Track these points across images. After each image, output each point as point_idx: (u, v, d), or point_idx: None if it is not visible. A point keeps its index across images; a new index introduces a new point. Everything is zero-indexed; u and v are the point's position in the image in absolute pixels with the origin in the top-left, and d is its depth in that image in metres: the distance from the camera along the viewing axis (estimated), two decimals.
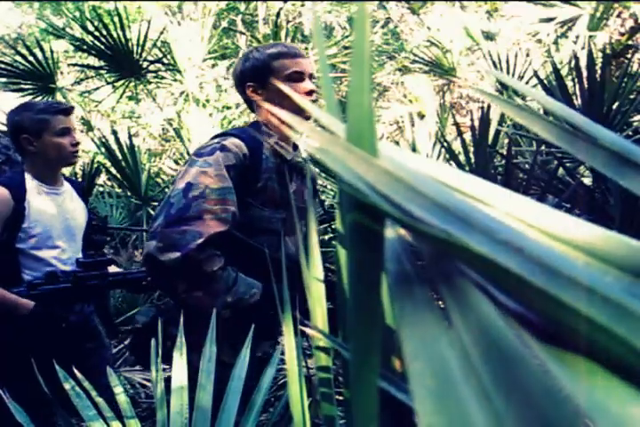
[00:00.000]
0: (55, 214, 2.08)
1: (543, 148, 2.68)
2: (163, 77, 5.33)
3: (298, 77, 1.66)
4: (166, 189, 4.50)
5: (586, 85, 2.67)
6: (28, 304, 1.87)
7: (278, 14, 5.57)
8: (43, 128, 2.03)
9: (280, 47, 1.68)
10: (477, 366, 0.21)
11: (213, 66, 6.24)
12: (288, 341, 0.52)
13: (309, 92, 1.65)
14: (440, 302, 0.25)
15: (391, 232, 0.29)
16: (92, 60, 5.96)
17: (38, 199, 2.05)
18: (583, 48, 4.44)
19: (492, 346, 0.22)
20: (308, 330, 0.42)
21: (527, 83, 4.96)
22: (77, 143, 2.09)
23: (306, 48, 5.60)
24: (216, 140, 1.58)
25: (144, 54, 4.84)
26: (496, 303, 0.24)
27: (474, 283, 0.25)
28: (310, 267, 0.44)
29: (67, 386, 1.09)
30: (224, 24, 7.25)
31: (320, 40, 0.25)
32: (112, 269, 2.15)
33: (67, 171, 5.32)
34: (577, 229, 0.26)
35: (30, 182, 2.06)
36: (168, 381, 1.08)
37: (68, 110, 2.09)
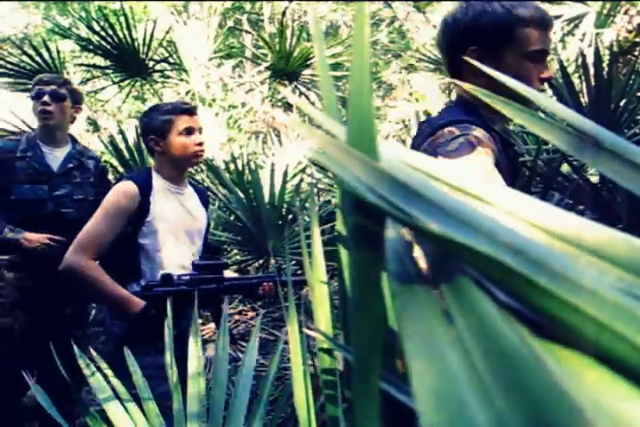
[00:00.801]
0: (178, 213, 2.09)
1: (550, 145, 2.67)
2: (169, 77, 5.34)
3: (540, 58, 1.21)
4: None
5: (593, 83, 2.66)
6: (140, 303, 1.86)
7: (284, 13, 5.57)
8: (167, 128, 2.05)
9: (533, 9, 1.19)
10: (479, 365, 0.21)
11: (219, 65, 6.25)
12: (293, 340, 0.52)
13: (546, 79, 1.23)
14: (441, 302, 0.25)
15: (393, 232, 0.29)
16: (99, 60, 5.98)
17: (163, 196, 2.07)
18: (590, 45, 4.42)
19: (493, 345, 0.22)
20: (310, 332, 0.42)
21: None
22: (201, 142, 2.09)
23: (311, 47, 5.59)
24: (457, 132, 1.13)
25: (150, 54, 4.85)
26: (497, 302, 0.24)
27: (475, 282, 0.25)
28: (314, 268, 0.44)
29: (87, 372, 1.12)
30: (230, 23, 7.25)
31: (320, 40, 0.25)
32: (227, 273, 2.13)
33: None
34: (579, 227, 0.26)
35: (157, 180, 2.08)
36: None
37: (191, 110, 2.10)
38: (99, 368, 1.15)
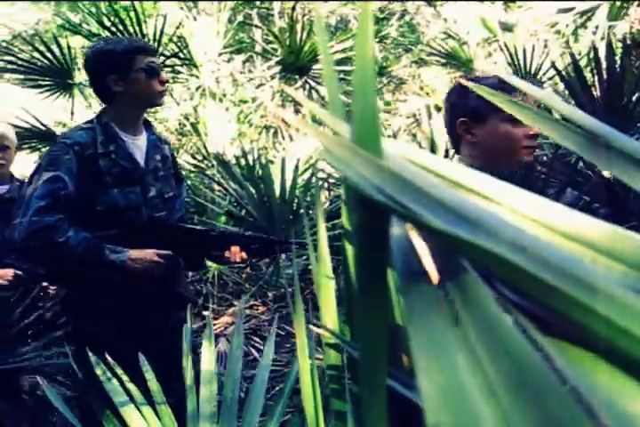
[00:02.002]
0: None
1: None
2: (179, 72, 5.35)
3: None
4: (184, 184, 4.52)
5: (605, 76, 2.63)
6: None
7: (294, 8, 5.56)
8: (489, 111, 1.43)
9: None
10: (485, 363, 0.21)
11: (229, 60, 6.25)
12: (299, 336, 0.52)
13: None
14: (448, 299, 0.25)
15: (399, 230, 0.29)
16: None
17: None
18: (603, 38, 4.38)
19: (500, 343, 0.22)
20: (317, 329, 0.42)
21: (545, 74, 4.91)
22: (535, 135, 1.46)
23: None
24: None
25: (160, 49, 4.85)
26: (503, 299, 0.24)
27: (481, 279, 0.25)
28: (320, 263, 0.44)
29: (98, 371, 1.12)
30: (239, 18, 7.24)
31: (323, 39, 0.25)
32: None
33: None
34: (582, 224, 0.26)
35: None
36: None
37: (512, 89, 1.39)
38: (115, 374, 1.15)
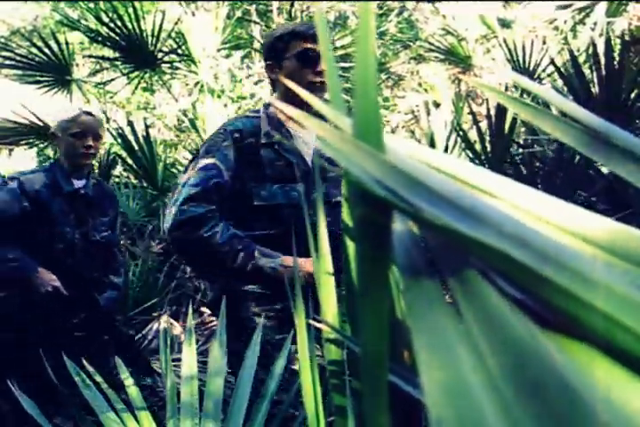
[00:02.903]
0: None
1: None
2: (177, 68, 5.34)
3: None
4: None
5: (604, 73, 2.63)
6: None
7: (292, 4, 5.55)
8: None
9: None
10: (487, 359, 0.21)
11: (228, 56, 6.24)
12: (300, 331, 0.52)
13: None
14: (449, 295, 0.25)
15: (401, 226, 0.29)
16: (107, 52, 5.98)
17: None
18: (601, 35, 4.38)
19: (502, 338, 0.22)
20: (317, 324, 0.42)
21: (544, 71, 4.91)
22: None
23: None
24: None
25: (159, 45, 4.84)
26: (505, 295, 0.24)
27: (482, 275, 0.25)
28: (320, 260, 0.44)
29: (76, 379, 1.10)
30: (238, 14, 7.22)
31: (324, 34, 0.25)
32: None
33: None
34: (585, 220, 0.26)
35: None
36: None
37: None
38: (94, 381, 1.12)
